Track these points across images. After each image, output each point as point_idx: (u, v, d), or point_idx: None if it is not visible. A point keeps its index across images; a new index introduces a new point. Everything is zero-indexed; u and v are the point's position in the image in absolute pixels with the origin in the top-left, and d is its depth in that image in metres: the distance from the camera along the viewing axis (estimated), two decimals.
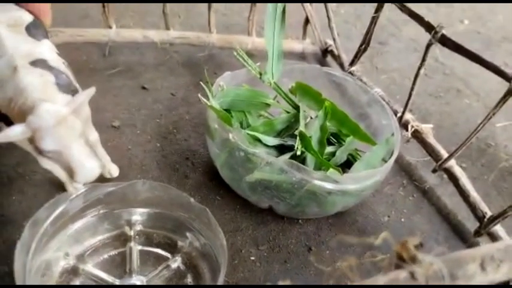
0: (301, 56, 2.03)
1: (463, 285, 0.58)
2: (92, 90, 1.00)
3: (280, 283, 0.58)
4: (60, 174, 1.23)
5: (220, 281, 0.92)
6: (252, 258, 1.20)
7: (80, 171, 0.98)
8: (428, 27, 1.26)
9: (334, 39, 1.85)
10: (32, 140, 0.96)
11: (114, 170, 1.33)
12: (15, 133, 0.93)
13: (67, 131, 0.96)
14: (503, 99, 1.11)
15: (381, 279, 0.57)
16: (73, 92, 1.06)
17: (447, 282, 0.59)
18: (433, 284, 0.58)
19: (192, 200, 1.06)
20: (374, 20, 1.54)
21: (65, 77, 1.08)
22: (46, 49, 1.13)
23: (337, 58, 1.91)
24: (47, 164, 1.19)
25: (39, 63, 1.05)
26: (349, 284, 0.60)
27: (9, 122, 1.03)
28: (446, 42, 1.21)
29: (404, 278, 0.58)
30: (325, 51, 1.99)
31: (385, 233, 0.60)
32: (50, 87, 1.01)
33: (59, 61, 1.13)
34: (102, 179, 1.32)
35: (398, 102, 1.70)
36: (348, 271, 0.64)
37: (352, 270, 0.66)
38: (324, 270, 1.18)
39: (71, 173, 0.99)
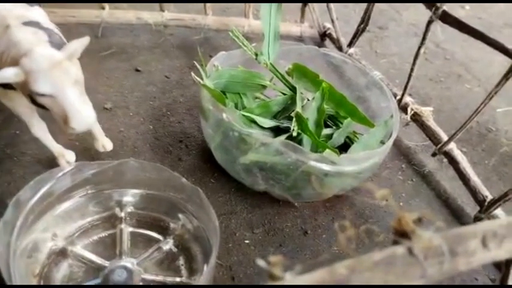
0: (299, 39, 1.99)
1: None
2: (86, 39, 0.99)
3: (271, 258, 0.55)
4: (52, 145, 1.21)
5: (212, 263, 0.89)
6: (247, 241, 1.17)
7: (75, 117, 0.94)
8: (429, 4, 1.22)
9: (332, 21, 1.81)
10: (25, 87, 0.93)
11: (108, 144, 1.30)
12: (8, 74, 0.91)
13: (62, 75, 0.93)
14: (506, 75, 1.07)
15: (377, 255, 0.54)
16: None
17: (447, 259, 0.55)
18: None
19: (184, 180, 1.03)
20: None
21: (58, 37, 1.07)
22: (38, 13, 1.12)
23: (335, 41, 1.87)
24: (38, 133, 1.16)
25: (32, 24, 1.03)
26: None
27: None
28: (447, 19, 1.17)
29: (402, 253, 0.55)
30: (324, 35, 1.95)
31: (386, 190, 0.56)
32: (43, 43, 0.98)
33: (51, 24, 1.12)
34: (95, 156, 1.29)
35: (398, 86, 1.67)
36: (344, 240, 0.60)
37: (350, 241, 0.63)
38: (320, 253, 1.15)
39: (65, 119, 0.95)
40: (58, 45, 1.01)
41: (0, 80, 0.91)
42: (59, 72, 0.93)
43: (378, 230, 0.69)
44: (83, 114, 0.95)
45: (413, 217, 0.58)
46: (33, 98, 0.95)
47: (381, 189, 1.32)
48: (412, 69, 1.37)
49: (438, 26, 1.25)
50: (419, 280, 0.54)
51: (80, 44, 0.98)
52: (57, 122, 0.98)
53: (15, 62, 0.94)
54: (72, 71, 0.96)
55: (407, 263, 0.53)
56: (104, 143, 1.29)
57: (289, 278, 0.52)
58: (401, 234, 0.57)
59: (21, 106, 1.10)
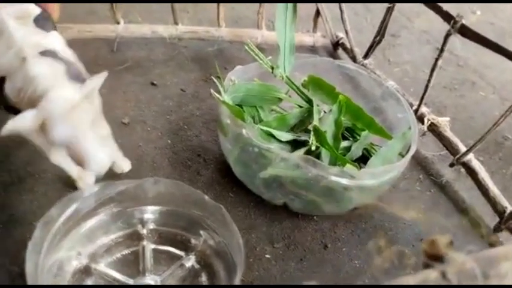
0: (312, 50, 2.00)
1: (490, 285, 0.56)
2: (103, 75, 0.97)
3: (305, 283, 0.56)
4: (71, 170, 1.21)
5: (237, 281, 0.89)
6: (267, 256, 1.17)
7: (92, 161, 0.95)
8: (447, 16, 1.22)
9: (346, 32, 1.82)
10: (42, 129, 0.93)
11: (125, 166, 1.30)
12: (25, 120, 0.90)
13: (79, 119, 0.93)
14: None
15: (411, 279, 0.54)
16: (83, 81, 1.03)
17: (480, 282, 0.56)
18: (464, 284, 0.56)
19: (206, 197, 1.04)
20: (389, 11, 1.51)
21: (75, 67, 1.06)
22: (55, 40, 1.10)
23: (349, 51, 1.88)
24: (57, 159, 1.17)
25: (48, 53, 1.02)
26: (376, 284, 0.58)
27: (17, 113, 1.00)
28: (466, 32, 1.18)
29: (436, 277, 0.55)
30: (336, 44, 1.96)
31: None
32: (60, 76, 0.98)
33: (68, 52, 1.11)
34: (113, 175, 1.30)
35: (413, 95, 1.67)
36: (380, 261, 0.61)
37: (385, 259, 0.63)
38: (341, 267, 1.15)
39: (82, 163, 0.96)
40: (75, 76, 1.00)
41: (18, 126, 0.90)
42: (76, 116, 0.92)
43: (408, 253, 0.70)
44: (99, 159, 0.96)
45: (446, 240, 0.59)
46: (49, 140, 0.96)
47: (399, 201, 1.30)
48: (429, 81, 1.38)
49: (457, 40, 1.26)
50: None
51: (98, 81, 0.97)
52: (74, 167, 0.99)
53: (31, 102, 0.93)
54: (90, 112, 0.96)
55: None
56: (122, 165, 1.28)
57: None
58: (433, 257, 0.57)
59: (37, 139, 1.09)
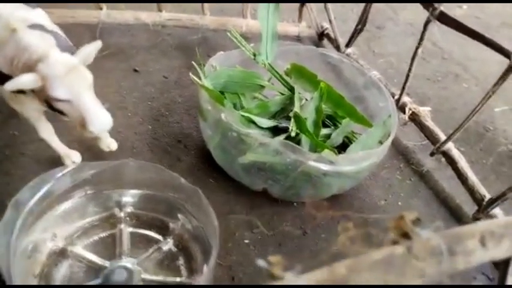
0: (297, 39, 1.99)
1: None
2: (98, 44, 1.00)
3: (271, 258, 0.55)
4: (58, 146, 1.21)
5: (212, 263, 0.89)
6: (246, 241, 1.17)
7: (93, 120, 0.97)
8: (427, 5, 1.22)
9: (330, 21, 1.82)
10: (41, 92, 0.95)
11: (112, 144, 1.32)
12: (25, 81, 0.91)
13: (78, 80, 0.95)
14: (503, 76, 1.08)
15: (377, 255, 0.54)
16: (73, 53, 1.04)
17: (445, 258, 0.56)
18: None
19: (183, 180, 1.03)
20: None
21: (63, 39, 1.08)
22: (40, 16, 1.12)
23: (333, 41, 1.87)
24: (45, 134, 1.17)
25: (36, 26, 1.03)
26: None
27: None
28: (444, 19, 1.18)
29: (401, 253, 0.55)
30: (321, 34, 1.96)
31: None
32: (52, 47, 0.99)
33: (54, 27, 1.12)
34: (97, 154, 1.29)
35: (396, 85, 1.67)
36: (345, 240, 0.61)
37: (350, 239, 0.63)
38: (320, 253, 1.15)
39: (83, 123, 0.97)
40: (66, 48, 1.02)
41: (18, 86, 0.92)
42: (75, 77, 0.95)
43: (376, 230, 0.69)
44: (100, 117, 0.98)
45: (412, 217, 0.59)
46: (49, 103, 0.97)
47: (379, 189, 1.32)
48: (410, 70, 1.38)
49: (435, 26, 1.26)
50: (418, 279, 0.54)
51: (93, 48, 1.00)
52: (75, 125, 0.99)
53: (28, 68, 0.95)
54: (88, 75, 0.98)
55: (406, 263, 0.53)
56: (109, 143, 1.31)
57: (289, 278, 0.52)
58: (400, 234, 0.57)
59: (29, 110, 1.11)
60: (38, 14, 1.11)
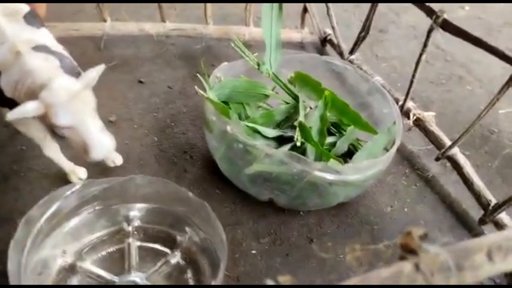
0: (300, 46, 2.00)
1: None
2: (101, 67, 1.01)
3: (280, 278, 0.56)
4: (64, 164, 1.22)
5: (220, 276, 0.90)
6: (253, 251, 1.18)
7: (96, 146, 0.98)
8: (429, 12, 1.23)
9: (333, 28, 1.82)
10: (45, 118, 0.96)
11: (117, 159, 1.33)
12: (28, 109, 0.92)
13: (81, 106, 0.96)
14: (507, 84, 1.08)
15: (385, 271, 0.55)
16: (77, 74, 1.05)
17: (453, 274, 0.56)
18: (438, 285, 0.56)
19: (190, 194, 1.04)
20: (373, 7, 1.51)
21: (68, 61, 1.09)
22: (45, 36, 1.13)
23: (336, 47, 1.88)
24: (51, 153, 1.18)
25: (41, 48, 1.04)
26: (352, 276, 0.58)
27: (13, 106, 1.02)
28: (447, 27, 1.18)
29: (409, 270, 0.55)
30: (324, 41, 1.96)
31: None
32: (56, 69, 1.01)
33: (59, 47, 1.13)
34: (101, 171, 1.30)
35: (400, 90, 1.67)
36: (353, 261, 0.61)
37: (358, 259, 0.64)
38: (326, 262, 1.16)
39: (85, 149, 0.98)
40: (70, 69, 1.03)
41: (21, 115, 0.93)
42: (78, 103, 0.95)
43: (385, 244, 0.70)
44: (102, 144, 0.99)
45: (419, 232, 0.59)
46: (53, 130, 0.98)
47: (385, 195, 1.31)
48: (413, 76, 1.38)
49: (439, 34, 1.26)
50: None
51: (97, 72, 1.00)
52: (76, 151, 1.00)
53: (31, 92, 0.96)
54: (91, 100, 0.99)
55: (415, 280, 0.54)
56: (114, 158, 1.31)
57: None
58: (408, 250, 0.58)
59: (34, 131, 1.12)
60: (43, 35, 1.12)
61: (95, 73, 1.00)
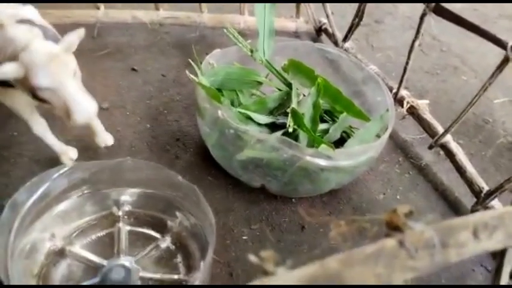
0: (295, 35, 1.99)
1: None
2: (81, 31, 0.99)
3: (263, 253, 0.56)
4: (54, 143, 1.21)
5: (209, 259, 0.89)
6: (245, 237, 1.17)
7: (77, 109, 0.95)
8: None
9: (327, 16, 1.81)
10: (25, 83, 0.94)
11: (108, 140, 1.32)
12: (8, 69, 0.91)
13: (61, 68, 0.94)
14: (500, 67, 1.07)
15: (369, 248, 0.54)
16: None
17: (438, 250, 0.56)
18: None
19: (180, 178, 1.03)
20: None
21: (52, 33, 1.08)
22: (31, 11, 1.12)
23: (331, 36, 1.87)
24: (39, 131, 1.17)
25: (25, 21, 1.03)
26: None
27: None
28: (440, 11, 1.17)
29: (393, 246, 0.55)
30: (319, 30, 1.95)
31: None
32: (38, 36, 0.99)
33: (44, 21, 1.12)
34: (95, 153, 1.29)
35: (394, 79, 1.67)
36: (337, 236, 0.61)
37: (342, 235, 0.63)
38: (317, 248, 1.15)
39: (67, 112, 0.96)
40: (52, 38, 1.02)
41: (2, 75, 0.91)
42: (58, 65, 0.94)
43: (370, 224, 0.70)
44: (84, 106, 0.96)
45: (405, 210, 0.59)
46: (34, 93, 0.96)
47: (378, 183, 1.31)
48: (407, 63, 1.37)
49: (432, 19, 1.25)
50: (411, 272, 0.54)
51: (77, 36, 0.99)
52: (59, 116, 0.99)
53: (13, 58, 0.94)
54: (71, 64, 0.97)
55: (399, 256, 0.53)
56: (105, 138, 1.31)
57: (281, 273, 0.52)
58: (394, 228, 0.57)
59: (21, 104, 1.11)
60: (28, 10, 1.11)
61: (75, 36, 0.98)
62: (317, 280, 0.52)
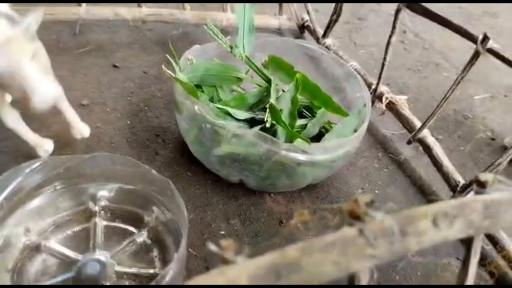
0: (278, 32, 2.00)
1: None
2: (39, 13, 0.98)
3: (223, 242, 0.56)
4: (28, 136, 1.21)
5: (182, 251, 0.89)
6: (222, 232, 1.18)
7: (35, 93, 0.94)
8: None
9: (308, 13, 1.82)
10: None
11: (85, 130, 1.31)
12: None
13: (17, 50, 0.93)
14: (471, 61, 1.09)
15: (329, 237, 0.55)
16: None
17: (397, 239, 0.57)
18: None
19: (154, 172, 1.03)
20: None
21: (15, 19, 1.04)
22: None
23: (313, 33, 1.88)
24: (12, 123, 1.16)
25: None
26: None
27: None
28: (413, 6, 1.19)
29: (353, 234, 0.56)
30: (302, 27, 1.96)
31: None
32: (1, 24, 0.97)
33: (13, 12, 1.09)
34: (71, 147, 1.29)
35: (376, 76, 1.68)
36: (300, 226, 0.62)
37: (306, 225, 0.64)
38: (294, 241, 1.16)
39: (26, 97, 0.95)
40: (13, 21, 0.99)
41: None
42: (13, 47, 0.92)
43: (332, 208, 0.71)
44: (43, 89, 0.95)
45: (366, 199, 0.59)
46: None
47: (356, 178, 1.32)
48: (384, 58, 1.39)
49: (406, 15, 1.27)
50: (370, 260, 0.55)
51: (34, 17, 0.97)
52: (20, 103, 0.97)
53: None
54: (28, 47, 0.95)
55: (358, 244, 0.54)
56: (81, 129, 1.29)
57: (240, 261, 0.52)
58: (355, 217, 0.58)
59: None
60: None
61: (31, 17, 0.97)
62: (276, 268, 0.52)
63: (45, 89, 0.96)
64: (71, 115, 1.27)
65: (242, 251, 0.54)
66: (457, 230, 0.62)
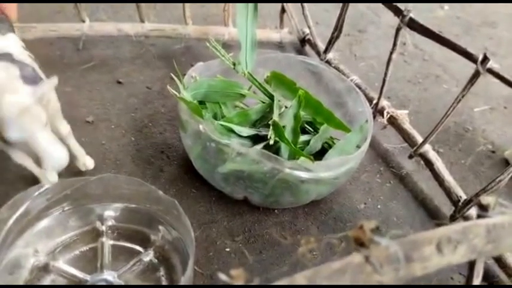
0: (280, 46, 2.02)
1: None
2: (54, 80, 1.01)
3: (233, 271, 0.57)
4: (33, 168, 1.22)
5: (189, 273, 0.91)
6: (227, 249, 1.19)
7: (48, 159, 1.00)
8: (396, 11, 1.25)
9: (309, 27, 1.84)
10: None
11: (89, 163, 1.33)
12: None
13: (31, 120, 0.98)
14: (471, 81, 1.11)
15: (336, 264, 0.56)
16: (39, 83, 1.05)
17: (402, 265, 0.58)
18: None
19: (161, 193, 1.05)
20: (344, 7, 1.53)
21: (30, 69, 1.07)
22: (11, 43, 1.11)
23: (314, 46, 1.90)
24: (19, 159, 1.18)
25: (4, 57, 1.03)
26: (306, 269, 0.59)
27: None
28: (414, 25, 1.21)
29: (359, 262, 0.57)
30: (303, 40, 1.98)
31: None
32: (15, 79, 1.00)
33: (24, 54, 1.11)
34: (77, 172, 1.31)
35: (377, 89, 1.69)
36: (306, 253, 0.63)
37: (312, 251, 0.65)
38: (300, 258, 1.17)
39: (40, 161, 1.00)
40: (30, 79, 1.02)
41: None
42: (27, 118, 0.97)
43: (338, 241, 0.72)
44: (56, 156, 1.02)
45: (371, 226, 0.61)
46: (5, 141, 1.01)
47: (359, 193, 1.33)
48: (385, 74, 1.40)
49: (406, 33, 1.29)
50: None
51: (48, 86, 1.02)
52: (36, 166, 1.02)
53: None
54: (42, 115, 1.00)
55: (364, 271, 0.55)
56: (85, 162, 1.31)
57: None
58: (361, 244, 0.59)
59: None
60: (9, 41, 1.11)
61: (46, 87, 1.01)
62: None
63: (58, 156, 1.03)
64: (77, 149, 1.28)
65: (252, 280, 0.55)
66: (460, 255, 0.64)
